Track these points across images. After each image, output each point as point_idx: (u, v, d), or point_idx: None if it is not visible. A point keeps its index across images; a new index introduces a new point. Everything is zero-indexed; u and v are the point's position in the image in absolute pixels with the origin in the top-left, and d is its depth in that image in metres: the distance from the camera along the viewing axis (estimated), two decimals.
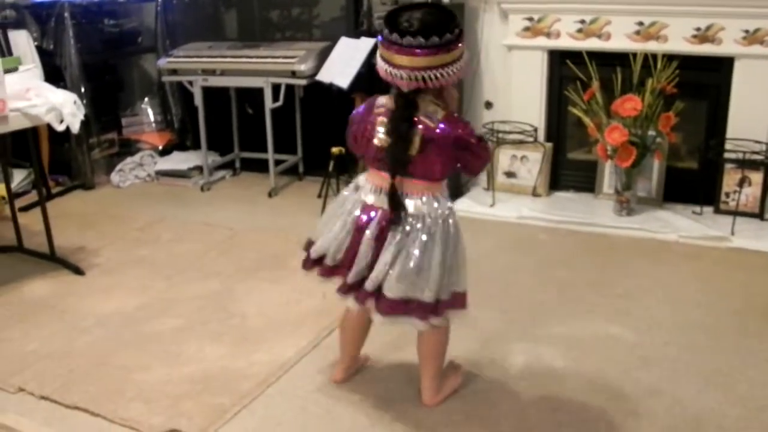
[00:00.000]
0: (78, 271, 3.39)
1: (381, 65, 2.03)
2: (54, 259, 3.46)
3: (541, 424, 2.22)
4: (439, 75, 1.95)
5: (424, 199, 2.08)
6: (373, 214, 2.10)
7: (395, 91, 2.05)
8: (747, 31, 3.70)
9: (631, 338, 2.72)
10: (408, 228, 2.06)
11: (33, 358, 2.64)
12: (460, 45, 1.98)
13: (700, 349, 2.65)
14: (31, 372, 2.54)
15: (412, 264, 2.03)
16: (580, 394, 2.36)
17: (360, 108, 2.21)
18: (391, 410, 2.29)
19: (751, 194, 3.82)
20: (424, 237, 2.05)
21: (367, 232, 2.08)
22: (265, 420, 2.26)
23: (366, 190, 2.15)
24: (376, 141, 2.09)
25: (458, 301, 2.16)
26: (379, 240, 2.08)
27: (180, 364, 2.59)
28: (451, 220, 2.11)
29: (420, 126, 2.02)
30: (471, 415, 2.27)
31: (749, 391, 2.38)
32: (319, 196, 4.24)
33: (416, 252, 2.04)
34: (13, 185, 4.13)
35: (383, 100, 2.11)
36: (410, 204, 2.08)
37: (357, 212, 2.13)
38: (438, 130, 2.02)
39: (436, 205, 2.10)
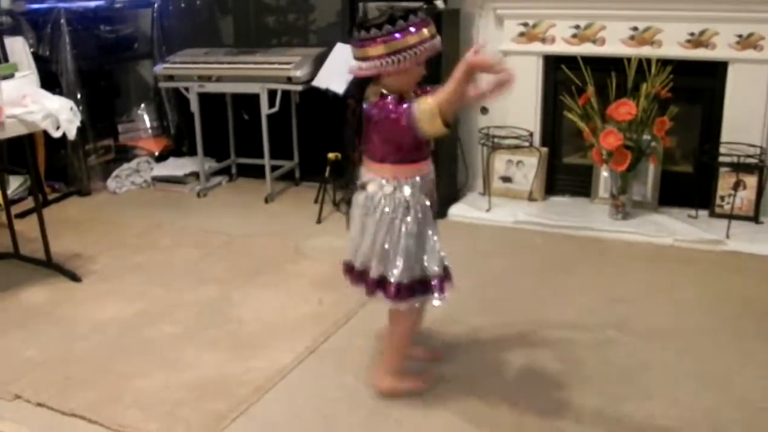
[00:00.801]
0: (75, 277, 3.39)
1: None
2: (50, 266, 3.46)
3: (540, 428, 2.23)
4: (370, 66, 2.09)
5: (371, 178, 2.22)
6: None
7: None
8: (740, 36, 3.72)
9: (628, 341, 2.73)
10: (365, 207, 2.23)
11: (30, 365, 2.64)
12: (376, 43, 2.06)
13: (697, 352, 2.65)
14: (28, 379, 2.54)
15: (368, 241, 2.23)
16: (577, 398, 2.37)
17: None
18: (390, 416, 2.29)
19: (745, 198, 3.83)
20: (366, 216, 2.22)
21: None
22: (262, 426, 2.26)
23: None
24: None
25: (389, 288, 2.22)
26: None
27: (177, 370, 2.59)
28: (389, 205, 2.18)
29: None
30: (469, 419, 2.27)
31: (746, 394, 2.39)
32: (316, 201, 4.24)
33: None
34: (10, 192, 4.13)
35: None
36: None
37: None
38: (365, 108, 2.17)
39: (376, 187, 2.20)
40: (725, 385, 2.44)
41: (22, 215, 4.10)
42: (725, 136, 3.88)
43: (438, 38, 2.12)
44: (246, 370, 2.56)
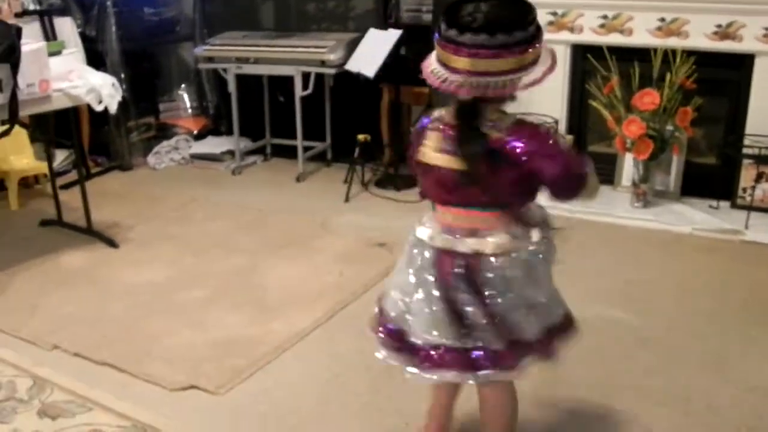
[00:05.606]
0: (112, 244, 3.59)
1: (435, 69, 1.66)
2: (90, 233, 3.67)
3: (539, 398, 2.33)
4: (505, 82, 1.60)
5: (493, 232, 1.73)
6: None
7: (455, 101, 1.69)
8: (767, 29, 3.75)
9: (634, 322, 2.81)
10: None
11: (68, 321, 2.84)
12: (536, 46, 1.62)
13: (701, 334, 2.73)
14: (66, 332, 2.74)
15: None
16: (578, 371, 2.44)
17: (421, 121, 1.82)
18: (396, 377, 2.40)
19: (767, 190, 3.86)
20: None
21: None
22: (278, 380, 2.42)
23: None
24: (425, 158, 1.74)
25: None
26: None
27: (203, 330, 2.76)
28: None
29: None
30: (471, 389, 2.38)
31: (743, 375, 2.46)
32: (345, 181, 4.38)
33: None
34: (55, 164, 4.36)
35: (439, 113, 1.76)
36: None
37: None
38: (508, 142, 1.64)
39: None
40: (724, 366, 2.51)
41: (66, 186, 4.31)
42: (750, 128, 3.90)
43: None
44: (267, 331, 2.73)
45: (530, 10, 1.63)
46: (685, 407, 2.29)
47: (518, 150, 1.63)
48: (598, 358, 2.55)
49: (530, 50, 1.60)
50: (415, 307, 1.78)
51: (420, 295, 1.77)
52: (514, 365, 1.76)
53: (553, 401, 2.33)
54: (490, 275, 1.72)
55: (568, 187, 1.72)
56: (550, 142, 1.68)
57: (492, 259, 1.72)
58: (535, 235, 1.77)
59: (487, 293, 1.72)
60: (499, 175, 1.65)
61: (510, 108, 1.73)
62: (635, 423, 2.24)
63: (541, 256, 1.79)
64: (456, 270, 1.72)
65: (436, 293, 1.74)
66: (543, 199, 1.78)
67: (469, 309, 1.72)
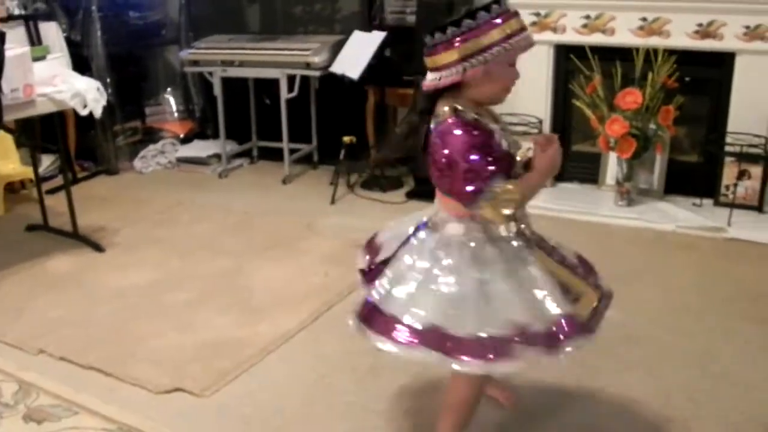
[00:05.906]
0: (98, 248, 3.59)
1: None
2: (77, 237, 3.67)
3: (520, 392, 2.34)
4: (441, 76, 1.77)
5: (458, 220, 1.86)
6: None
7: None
8: (748, 27, 3.79)
9: (617, 318, 2.78)
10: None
11: (54, 325, 2.84)
12: (451, 46, 1.73)
13: (684, 330, 2.76)
14: (53, 337, 2.74)
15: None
16: (559, 367, 2.48)
17: None
18: (382, 377, 2.44)
19: (750, 187, 3.90)
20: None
21: None
22: (263, 382, 2.44)
23: None
24: None
25: None
26: None
27: (190, 332, 2.77)
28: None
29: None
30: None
31: (725, 369, 2.49)
32: (332, 183, 4.40)
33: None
34: (42, 170, 4.35)
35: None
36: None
37: None
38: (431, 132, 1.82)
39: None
40: (706, 361, 2.54)
41: (52, 191, 4.29)
42: (732, 126, 3.94)
43: (528, 31, 1.80)
44: (253, 333, 2.74)
45: (460, 18, 1.73)
46: (666, 401, 2.31)
47: (431, 140, 1.80)
48: (581, 353, 2.55)
49: (455, 46, 1.73)
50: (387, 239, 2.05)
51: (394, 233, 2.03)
52: (411, 345, 1.82)
53: (534, 396, 2.35)
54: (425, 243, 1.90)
55: (452, 193, 1.80)
56: (458, 143, 1.74)
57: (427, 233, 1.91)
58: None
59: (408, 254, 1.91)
60: (429, 161, 1.83)
61: (495, 108, 1.89)
62: (616, 417, 2.27)
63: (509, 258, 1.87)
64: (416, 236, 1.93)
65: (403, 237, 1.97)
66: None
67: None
